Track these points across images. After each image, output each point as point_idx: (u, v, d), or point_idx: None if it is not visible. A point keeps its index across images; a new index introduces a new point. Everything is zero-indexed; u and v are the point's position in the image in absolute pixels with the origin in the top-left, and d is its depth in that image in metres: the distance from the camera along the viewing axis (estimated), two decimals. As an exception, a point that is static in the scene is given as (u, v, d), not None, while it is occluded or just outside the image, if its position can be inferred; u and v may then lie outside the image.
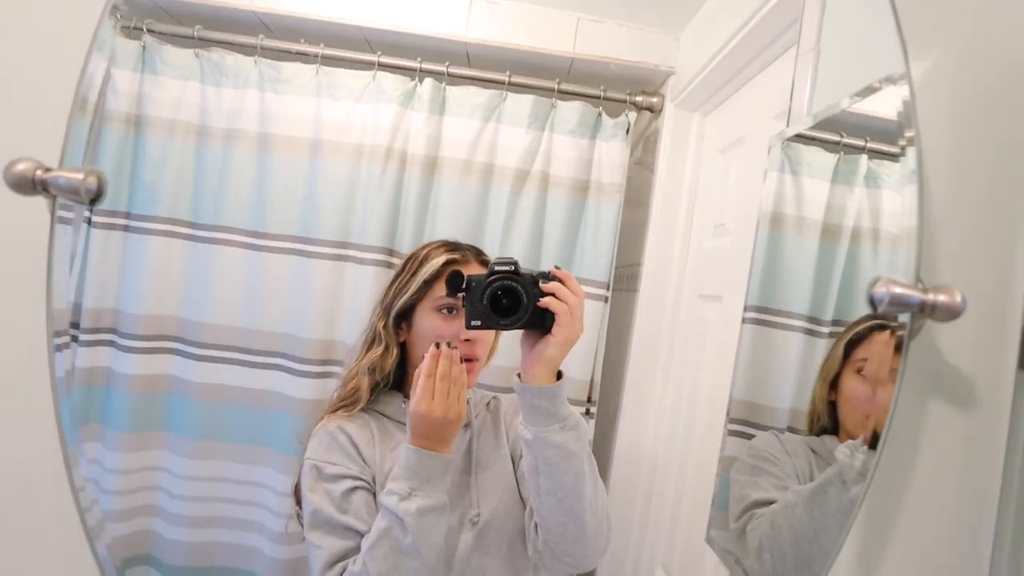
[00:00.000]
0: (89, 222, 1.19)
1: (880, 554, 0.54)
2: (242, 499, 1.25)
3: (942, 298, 0.47)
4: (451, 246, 0.91)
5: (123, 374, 1.20)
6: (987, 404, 0.49)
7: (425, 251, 0.90)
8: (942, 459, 0.51)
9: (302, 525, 0.90)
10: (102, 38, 0.59)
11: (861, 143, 0.71)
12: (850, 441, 0.68)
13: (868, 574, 0.55)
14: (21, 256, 0.68)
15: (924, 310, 0.47)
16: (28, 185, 0.48)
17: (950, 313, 0.46)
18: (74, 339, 1.18)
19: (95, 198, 0.50)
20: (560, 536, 0.77)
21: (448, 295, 0.77)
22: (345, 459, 0.82)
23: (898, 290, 0.48)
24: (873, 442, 0.58)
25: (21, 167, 0.47)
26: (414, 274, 0.88)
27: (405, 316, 0.88)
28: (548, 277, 0.74)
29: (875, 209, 0.69)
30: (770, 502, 0.78)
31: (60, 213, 0.55)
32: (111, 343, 1.21)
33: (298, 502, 0.90)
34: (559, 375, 0.74)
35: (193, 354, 1.23)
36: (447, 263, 0.86)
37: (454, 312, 0.86)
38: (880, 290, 0.49)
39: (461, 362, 0.77)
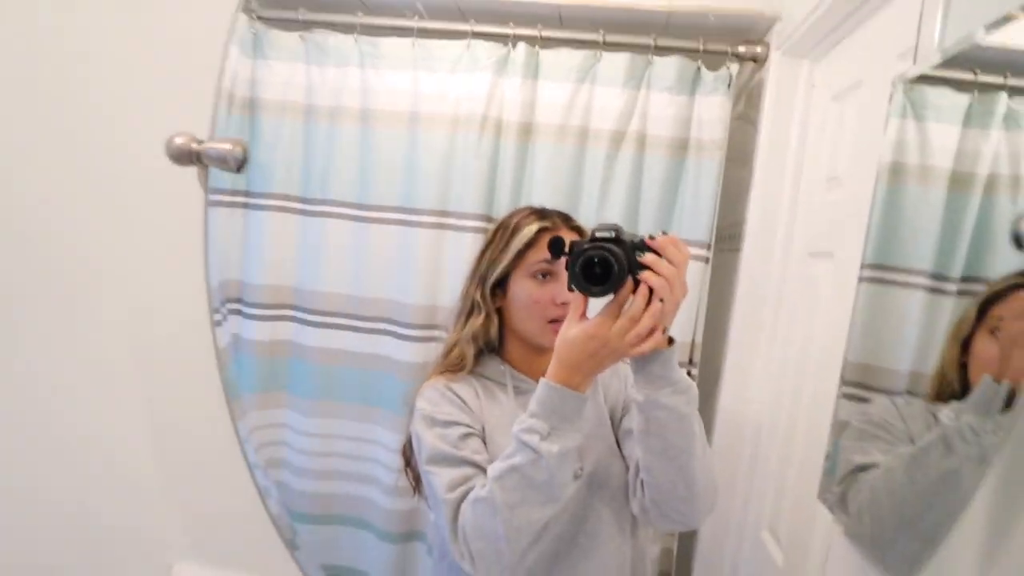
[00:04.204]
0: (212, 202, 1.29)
1: (1017, 515, 0.50)
2: (357, 455, 1.34)
3: None
4: (540, 213, 0.92)
5: (250, 340, 1.31)
6: None
7: (515, 219, 0.91)
8: None
9: (411, 483, 0.95)
10: (239, 30, 0.63)
11: (1000, 80, 0.65)
12: (956, 403, 0.64)
13: (1000, 536, 0.52)
14: (175, 237, 0.76)
15: None
16: (185, 156, 0.53)
17: None
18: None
19: (241, 165, 0.54)
20: (670, 494, 0.78)
21: (553, 259, 0.77)
22: (456, 410, 0.86)
23: None
24: (1008, 403, 0.55)
25: (179, 140, 0.53)
26: (507, 243, 0.89)
27: (500, 284, 0.90)
28: (645, 247, 0.72)
29: (1016, 154, 0.63)
30: (873, 466, 0.75)
31: (211, 196, 0.61)
32: (239, 312, 1.32)
33: (406, 461, 0.95)
34: (671, 340, 0.74)
35: (309, 320, 1.32)
36: (540, 230, 0.88)
37: (548, 277, 0.87)
38: None
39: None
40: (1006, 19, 0.61)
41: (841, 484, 0.81)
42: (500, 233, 0.92)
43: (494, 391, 0.90)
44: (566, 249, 0.74)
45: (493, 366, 0.92)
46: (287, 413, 1.36)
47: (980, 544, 0.54)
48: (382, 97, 1.26)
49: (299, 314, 1.33)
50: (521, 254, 0.88)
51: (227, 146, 0.54)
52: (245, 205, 1.31)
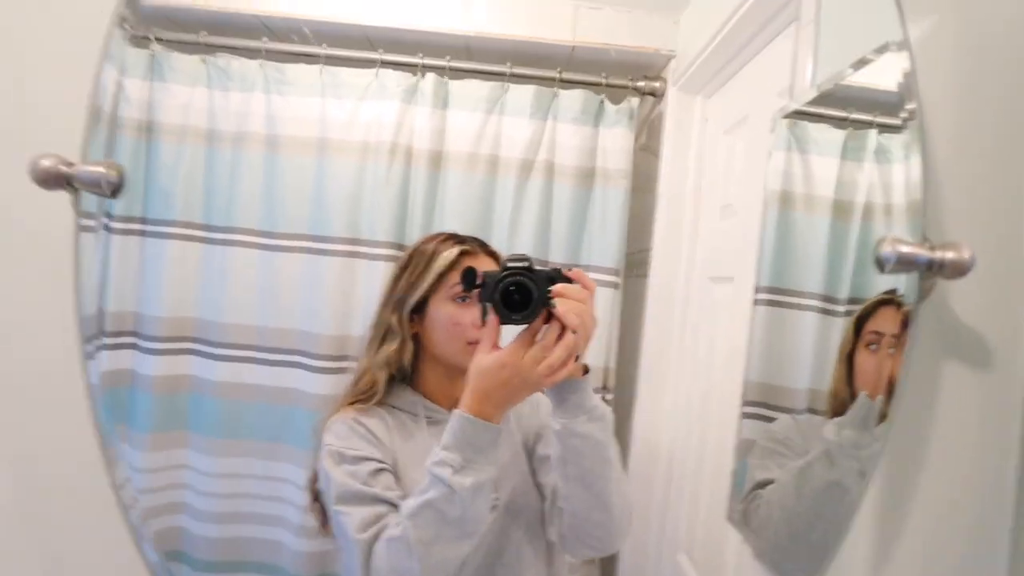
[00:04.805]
0: (107, 228, 1.22)
1: (900, 521, 0.53)
2: (265, 495, 1.28)
3: (950, 255, 0.46)
4: (457, 238, 0.92)
5: (146, 375, 1.23)
6: (1003, 360, 0.49)
7: (432, 244, 0.91)
8: (959, 421, 0.50)
9: (317, 520, 0.91)
10: (111, 47, 0.61)
11: (869, 118, 0.71)
12: (838, 419, 0.68)
13: (888, 543, 0.54)
14: (44, 264, 0.71)
15: (932, 268, 0.46)
16: (53, 180, 0.50)
17: (958, 270, 0.46)
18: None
19: (116, 190, 0.52)
20: (586, 520, 0.78)
21: (464, 290, 0.78)
22: (366, 444, 0.83)
23: (905, 249, 0.47)
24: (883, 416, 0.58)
25: (47, 163, 0.50)
26: (427, 266, 0.89)
27: (418, 309, 0.89)
28: (560, 276, 0.74)
29: (886, 184, 0.68)
30: (771, 482, 0.78)
31: (82, 221, 0.57)
32: (134, 346, 1.24)
33: (313, 496, 0.91)
34: (585, 369, 0.75)
35: (212, 354, 1.25)
36: (461, 253, 0.88)
37: (467, 300, 0.87)
38: (886, 250, 0.48)
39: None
40: (862, 62, 0.67)
41: (743, 501, 0.84)
42: (416, 258, 0.91)
43: (406, 423, 0.88)
44: (478, 280, 0.75)
45: (405, 396, 0.90)
46: (189, 453, 1.28)
47: (867, 555, 0.56)
48: (289, 123, 1.24)
49: (201, 347, 1.26)
50: (442, 277, 0.88)
51: (100, 169, 0.51)
52: (142, 232, 1.24)
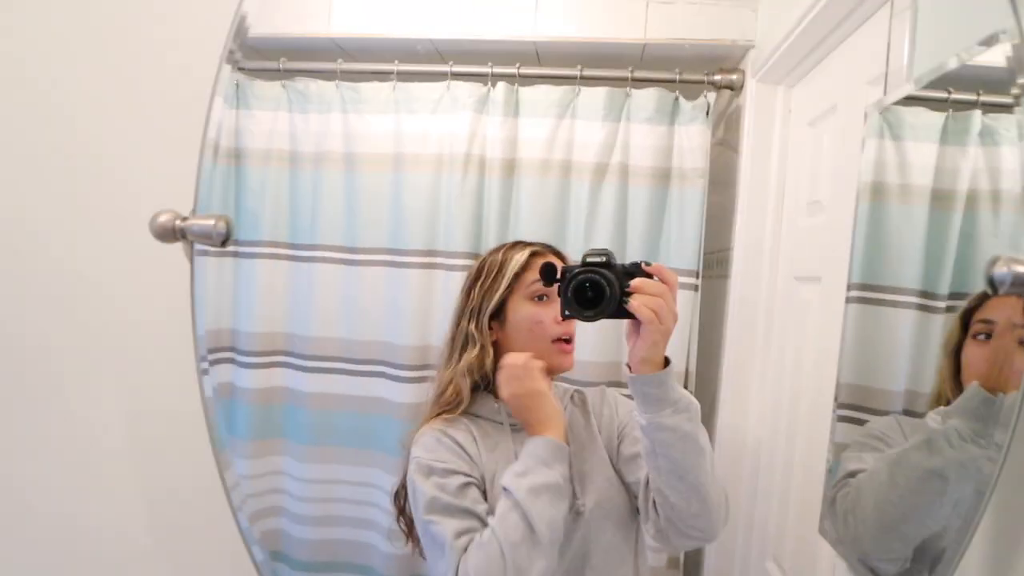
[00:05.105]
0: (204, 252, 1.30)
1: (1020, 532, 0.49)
2: (356, 499, 1.33)
3: None
4: (524, 243, 0.94)
5: (244, 388, 1.31)
6: None
7: (501, 252, 0.93)
8: None
9: (403, 531, 0.95)
10: (222, 85, 0.64)
11: (972, 97, 0.65)
12: (943, 408, 0.64)
13: (1007, 557, 0.51)
14: (163, 292, 0.75)
15: None
16: (169, 234, 0.53)
17: None
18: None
19: (224, 240, 0.55)
20: (685, 511, 0.78)
21: (544, 284, 0.80)
22: (454, 457, 0.85)
23: (1022, 269, 0.44)
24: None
25: (163, 219, 0.53)
26: (499, 271, 0.90)
27: (496, 315, 0.90)
28: (639, 271, 0.74)
29: (993, 168, 0.63)
30: (862, 471, 0.74)
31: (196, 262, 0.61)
32: (231, 360, 1.32)
33: (399, 508, 0.95)
34: (667, 361, 0.74)
35: (302, 366, 1.31)
36: (532, 254, 0.90)
37: (545, 299, 0.88)
38: (1001, 270, 0.45)
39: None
40: (975, 50, 0.62)
41: (832, 488, 0.80)
42: (488, 267, 0.92)
43: (489, 432, 0.89)
44: (558, 275, 0.75)
45: (488, 404, 0.91)
46: (285, 460, 1.35)
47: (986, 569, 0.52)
48: (365, 141, 1.27)
49: (293, 360, 1.33)
50: (517, 277, 0.89)
51: (210, 222, 0.55)
52: (235, 254, 1.31)
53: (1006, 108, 0.55)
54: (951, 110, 0.68)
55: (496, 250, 0.94)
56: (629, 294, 0.72)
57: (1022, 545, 0.49)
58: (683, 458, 0.75)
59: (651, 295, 0.71)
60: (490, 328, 0.91)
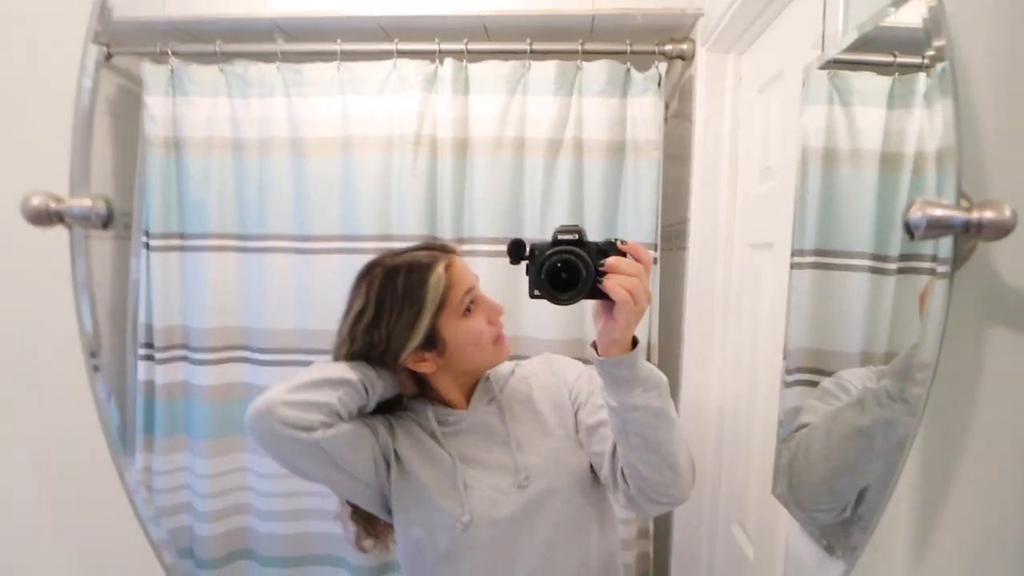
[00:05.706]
0: (147, 246, 1.24)
1: (945, 484, 0.50)
2: (324, 491, 1.30)
3: (988, 214, 0.41)
4: (410, 251, 0.86)
5: (199, 385, 1.27)
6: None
7: (402, 277, 0.82)
8: (1007, 385, 0.47)
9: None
10: (88, 65, 0.59)
11: (917, 61, 0.65)
12: (880, 367, 0.64)
13: (933, 505, 0.51)
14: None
15: (970, 230, 0.42)
16: (45, 217, 0.50)
17: (999, 230, 0.41)
18: (150, 357, 1.25)
19: (106, 222, 0.51)
20: (658, 481, 0.77)
21: (511, 262, 0.72)
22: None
23: (937, 212, 0.43)
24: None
25: (36, 201, 0.49)
26: (410, 300, 0.81)
27: (426, 346, 0.83)
28: (613, 249, 0.70)
29: (937, 128, 0.63)
30: (807, 425, 0.76)
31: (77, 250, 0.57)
32: (184, 358, 1.27)
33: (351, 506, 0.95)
34: (635, 341, 0.73)
35: (260, 360, 1.28)
36: (446, 267, 0.83)
37: (473, 306, 0.84)
38: (916, 215, 0.44)
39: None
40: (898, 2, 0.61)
41: (781, 444, 0.81)
42: (390, 299, 0.82)
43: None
44: (526, 252, 0.71)
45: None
46: (248, 457, 1.31)
47: (910, 529, 0.53)
48: (311, 124, 1.23)
49: (249, 354, 1.29)
50: (445, 299, 0.82)
51: (87, 203, 0.50)
52: (181, 248, 1.26)
53: (923, 68, 0.55)
54: (897, 74, 0.68)
55: (384, 276, 0.83)
56: (603, 274, 0.69)
57: (947, 495, 0.50)
58: (654, 433, 0.74)
59: (627, 275, 0.68)
60: (423, 360, 0.84)
